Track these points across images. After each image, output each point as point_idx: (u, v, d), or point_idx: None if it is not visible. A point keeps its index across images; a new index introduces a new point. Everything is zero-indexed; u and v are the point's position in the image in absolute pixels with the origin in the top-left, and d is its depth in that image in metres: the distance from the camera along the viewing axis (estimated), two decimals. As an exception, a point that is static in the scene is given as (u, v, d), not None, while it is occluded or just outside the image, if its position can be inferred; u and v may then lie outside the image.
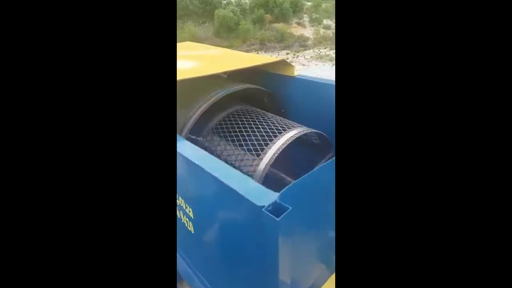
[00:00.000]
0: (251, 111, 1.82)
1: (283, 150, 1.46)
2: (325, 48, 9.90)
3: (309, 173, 0.97)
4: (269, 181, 1.51)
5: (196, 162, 1.04)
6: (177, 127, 1.62)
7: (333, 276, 1.27)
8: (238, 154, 1.55)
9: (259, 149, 1.48)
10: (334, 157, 1.06)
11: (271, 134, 1.51)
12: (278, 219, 0.78)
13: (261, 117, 1.71)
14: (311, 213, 1.02)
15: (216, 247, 1.23)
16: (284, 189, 0.87)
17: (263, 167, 1.42)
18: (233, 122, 1.72)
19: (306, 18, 13.22)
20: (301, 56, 9.09)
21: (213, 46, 2.76)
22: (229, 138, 1.69)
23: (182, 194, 1.25)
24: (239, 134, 1.64)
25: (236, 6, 11.40)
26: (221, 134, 1.76)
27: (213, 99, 1.67)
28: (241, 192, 0.88)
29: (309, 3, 14.33)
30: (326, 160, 1.76)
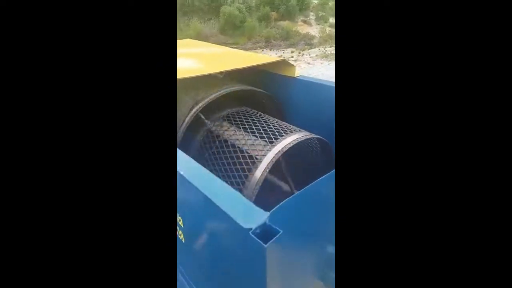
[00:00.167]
0: (247, 113, 1.72)
1: (280, 157, 1.36)
2: (331, 47, 9.76)
3: (304, 188, 0.87)
4: (265, 189, 1.42)
5: (181, 173, 0.95)
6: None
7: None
8: (231, 162, 1.45)
9: (253, 156, 1.38)
10: (334, 169, 0.96)
11: (267, 139, 1.41)
12: (265, 245, 0.68)
13: (257, 120, 1.61)
14: (307, 232, 0.93)
15: (205, 262, 1.14)
16: (275, 208, 0.77)
17: (259, 175, 1.32)
18: (228, 126, 1.63)
19: (312, 16, 13.10)
20: (306, 55, 8.98)
21: (212, 44, 2.67)
22: (223, 143, 1.59)
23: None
24: (234, 139, 1.54)
25: (241, 3, 11.29)
26: (215, 138, 1.66)
27: (206, 100, 1.57)
28: (227, 210, 0.78)
29: (315, 1, 14.17)
30: (328, 166, 1.66)
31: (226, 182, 1.31)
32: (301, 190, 0.88)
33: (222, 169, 1.47)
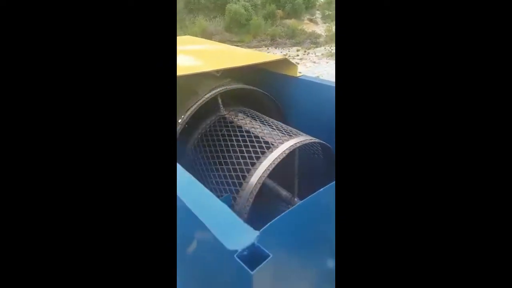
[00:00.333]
0: (245, 114, 1.63)
1: (278, 163, 1.27)
2: (337, 46, 9.61)
3: (300, 202, 0.78)
4: (262, 196, 1.33)
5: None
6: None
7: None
8: (225, 168, 1.36)
9: (249, 163, 1.29)
10: (333, 181, 0.87)
11: (263, 145, 1.32)
12: (252, 272, 0.59)
13: (255, 122, 1.52)
14: (303, 251, 0.83)
15: (192, 281, 1.05)
16: (265, 226, 0.68)
17: (255, 181, 1.22)
18: (224, 129, 1.54)
19: (318, 15, 12.95)
20: (312, 53, 8.86)
21: (211, 41, 2.58)
22: (218, 148, 1.50)
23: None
24: (228, 141, 1.45)
25: (247, 1, 11.17)
26: (210, 143, 1.57)
27: (201, 101, 1.48)
28: (211, 227, 0.69)
29: (322, -1, 14.02)
30: (328, 170, 1.57)
31: (220, 189, 1.22)
32: (295, 205, 0.78)
33: (216, 175, 1.38)
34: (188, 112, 1.46)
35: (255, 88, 1.72)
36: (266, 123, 1.52)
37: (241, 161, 1.31)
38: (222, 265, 0.72)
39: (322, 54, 8.70)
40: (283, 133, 1.40)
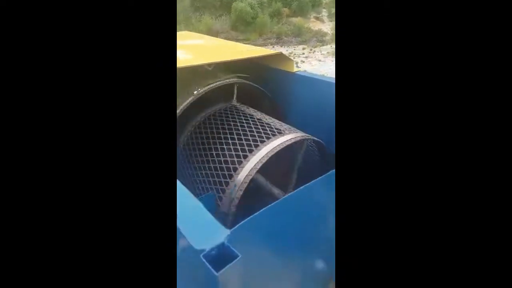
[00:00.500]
0: (236, 110, 1.59)
1: (269, 160, 1.22)
2: (343, 44, 9.50)
3: (278, 200, 0.74)
4: (251, 194, 1.29)
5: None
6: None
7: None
8: (212, 166, 1.32)
9: (235, 161, 1.25)
10: (318, 178, 0.82)
11: (251, 142, 1.28)
12: (217, 274, 0.55)
13: (246, 118, 1.48)
14: (282, 248, 0.79)
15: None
16: (237, 225, 0.64)
17: (242, 178, 1.18)
18: (213, 125, 1.50)
19: (325, 13, 12.82)
20: (318, 52, 8.77)
21: (210, 36, 2.54)
22: (206, 145, 1.46)
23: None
24: (216, 138, 1.41)
25: (253, -1, 11.13)
26: (199, 139, 1.54)
27: (191, 98, 1.45)
28: (182, 227, 0.65)
29: (329, -3, 13.88)
30: (322, 166, 1.52)
31: (207, 186, 1.18)
32: (276, 202, 0.74)
33: (203, 173, 1.35)
34: (178, 110, 1.43)
35: (248, 82, 1.68)
36: (257, 120, 1.48)
37: (228, 159, 1.27)
38: (191, 265, 0.68)
39: (328, 52, 8.61)
40: (273, 131, 1.36)
